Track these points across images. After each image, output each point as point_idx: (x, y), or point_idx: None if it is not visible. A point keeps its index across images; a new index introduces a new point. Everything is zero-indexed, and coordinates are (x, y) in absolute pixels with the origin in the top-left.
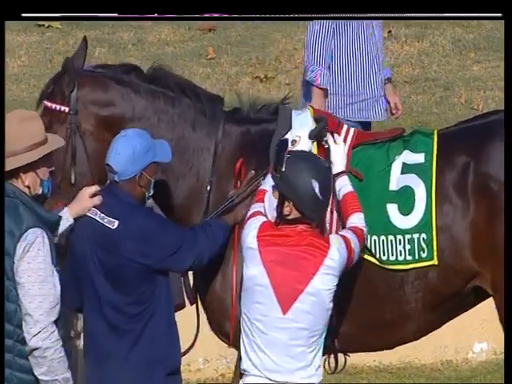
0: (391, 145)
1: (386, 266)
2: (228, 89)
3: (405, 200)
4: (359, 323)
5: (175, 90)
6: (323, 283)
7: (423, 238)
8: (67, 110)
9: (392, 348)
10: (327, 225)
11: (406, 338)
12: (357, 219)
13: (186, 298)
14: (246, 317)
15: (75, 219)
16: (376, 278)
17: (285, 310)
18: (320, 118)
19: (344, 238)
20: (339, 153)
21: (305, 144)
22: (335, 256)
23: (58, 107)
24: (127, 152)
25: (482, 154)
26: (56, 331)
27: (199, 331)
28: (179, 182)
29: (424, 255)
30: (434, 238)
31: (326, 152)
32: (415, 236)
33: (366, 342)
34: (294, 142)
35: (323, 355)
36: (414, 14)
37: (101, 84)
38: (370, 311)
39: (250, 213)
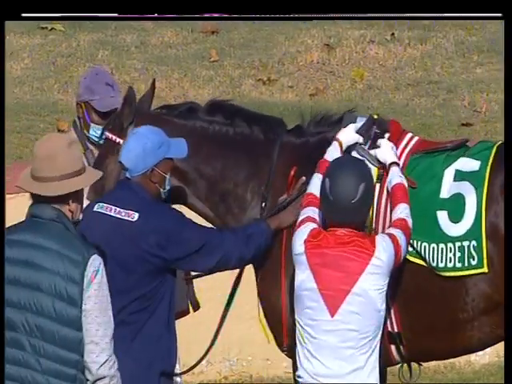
0: (450, 153)
1: (437, 273)
2: (231, 91)
3: (455, 207)
4: (419, 329)
5: (231, 118)
6: (370, 283)
7: (473, 246)
8: (121, 142)
9: (458, 356)
10: (373, 225)
11: (470, 346)
12: (401, 210)
13: (189, 305)
14: (297, 324)
15: (87, 216)
16: (429, 283)
17: (333, 312)
18: (375, 119)
19: (390, 236)
20: (386, 149)
21: (349, 134)
22: (382, 255)
23: (114, 138)
24: (137, 148)
25: None
26: (117, 360)
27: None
28: (241, 207)
29: (474, 263)
30: (484, 245)
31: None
32: (465, 243)
33: (429, 349)
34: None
35: (395, 364)
36: (414, 14)
37: (158, 121)
38: (426, 317)
39: (300, 219)
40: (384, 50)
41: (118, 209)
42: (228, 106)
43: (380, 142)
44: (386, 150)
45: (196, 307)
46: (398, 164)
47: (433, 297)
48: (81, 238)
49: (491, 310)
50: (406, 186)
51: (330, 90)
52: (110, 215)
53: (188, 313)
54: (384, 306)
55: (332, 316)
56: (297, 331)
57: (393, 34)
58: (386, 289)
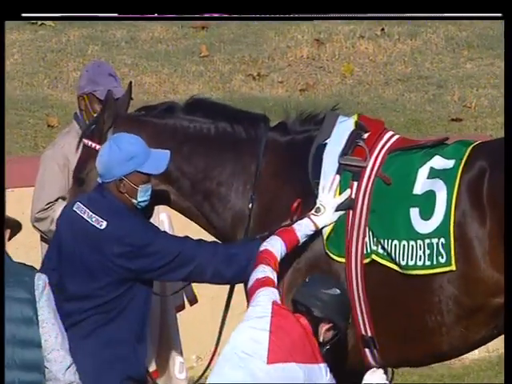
0: (427, 151)
1: (406, 272)
2: (221, 86)
3: (427, 204)
4: (390, 334)
5: (212, 115)
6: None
7: (442, 243)
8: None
9: (431, 363)
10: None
11: (441, 352)
12: None
13: (186, 299)
14: (230, 346)
15: (66, 213)
16: (399, 286)
17: (270, 360)
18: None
19: None
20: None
21: (328, 216)
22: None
23: (93, 145)
24: (106, 156)
25: (498, 162)
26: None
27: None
28: (225, 206)
29: (442, 260)
30: (452, 243)
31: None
32: (434, 241)
33: (401, 354)
34: (318, 209)
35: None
36: (413, 14)
37: (138, 123)
38: (397, 321)
39: (262, 276)
40: (374, 46)
41: (90, 213)
42: (208, 103)
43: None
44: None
45: (193, 301)
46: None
47: (403, 301)
48: (20, 264)
49: (462, 315)
50: None
51: (319, 85)
52: (83, 217)
53: (184, 307)
54: None
55: (267, 363)
56: (225, 350)
57: (383, 29)
58: None
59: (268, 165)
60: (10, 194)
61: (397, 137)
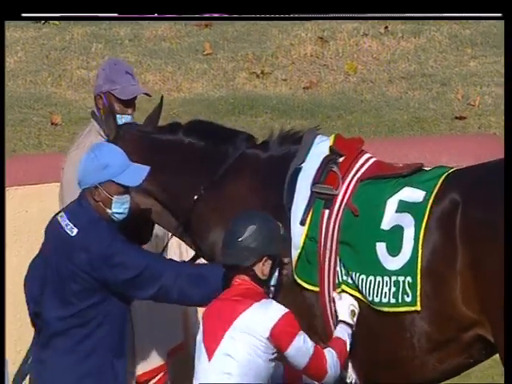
0: (399, 181)
1: (374, 307)
2: (224, 84)
3: (394, 240)
4: (366, 362)
5: (195, 136)
6: (244, 329)
7: (408, 282)
8: None
9: None
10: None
11: (415, 381)
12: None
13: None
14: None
15: (52, 220)
16: (369, 317)
17: (210, 356)
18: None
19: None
20: (343, 305)
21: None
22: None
23: None
24: (83, 163)
25: (471, 194)
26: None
27: None
28: (210, 229)
29: (408, 299)
30: (419, 282)
31: None
32: (401, 279)
33: (374, 379)
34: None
35: None
36: (414, 14)
37: (134, 140)
38: (367, 352)
39: None
40: (377, 43)
41: (66, 220)
42: (204, 124)
43: (342, 295)
44: (342, 306)
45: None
46: (349, 324)
47: (374, 332)
48: None
49: (433, 348)
50: (348, 346)
51: (323, 83)
52: (60, 225)
53: (185, 345)
54: (272, 363)
55: (209, 359)
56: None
57: (386, 27)
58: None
59: (237, 186)
60: (15, 192)
61: (372, 160)
